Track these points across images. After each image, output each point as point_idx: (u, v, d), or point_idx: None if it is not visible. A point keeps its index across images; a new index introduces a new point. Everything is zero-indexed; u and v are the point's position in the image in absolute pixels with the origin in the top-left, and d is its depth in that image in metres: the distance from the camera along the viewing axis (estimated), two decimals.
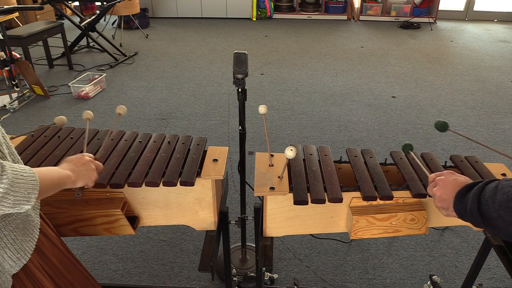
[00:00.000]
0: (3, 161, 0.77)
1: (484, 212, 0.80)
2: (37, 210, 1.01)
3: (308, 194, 1.21)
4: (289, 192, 1.21)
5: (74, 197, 1.19)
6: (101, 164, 1.12)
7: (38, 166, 1.26)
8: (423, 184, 1.24)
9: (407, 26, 6.55)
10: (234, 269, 1.88)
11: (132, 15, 5.97)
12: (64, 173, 0.97)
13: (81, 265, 1.18)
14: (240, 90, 1.43)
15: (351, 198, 1.24)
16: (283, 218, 1.29)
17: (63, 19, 6.29)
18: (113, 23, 6.44)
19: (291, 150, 1.12)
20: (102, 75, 4.13)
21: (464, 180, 0.94)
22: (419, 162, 1.22)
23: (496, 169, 1.36)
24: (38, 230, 1.00)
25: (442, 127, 1.22)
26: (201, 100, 3.88)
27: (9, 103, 3.64)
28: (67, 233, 1.25)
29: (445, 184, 0.95)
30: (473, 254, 2.12)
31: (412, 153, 1.27)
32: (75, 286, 1.12)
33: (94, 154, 1.18)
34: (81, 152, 1.15)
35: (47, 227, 1.07)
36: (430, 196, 1.17)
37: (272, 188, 1.21)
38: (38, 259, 0.98)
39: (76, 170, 1.01)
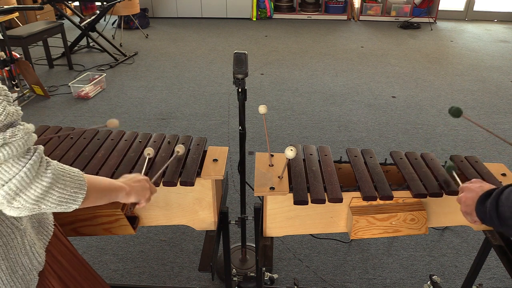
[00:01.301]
0: (50, 159, 0.79)
1: (501, 213, 0.82)
2: None
3: (308, 194, 1.21)
4: (289, 192, 1.21)
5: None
6: (155, 188, 1.13)
7: None
8: (423, 184, 1.24)
9: (407, 26, 6.55)
10: (234, 269, 1.88)
11: (132, 15, 5.97)
12: (117, 184, 0.98)
13: (90, 267, 1.17)
14: (240, 90, 1.43)
15: (351, 198, 1.24)
16: (283, 218, 1.29)
17: (63, 19, 6.28)
18: (113, 23, 6.44)
19: (291, 150, 1.12)
20: (102, 75, 4.13)
21: (489, 187, 0.96)
22: (458, 180, 1.20)
23: (496, 169, 1.36)
24: (53, 228, 1.01)
25: (456, 112, 1.22)
26: (201, 100, 3.88)
27: None
28: (67, 233, 1.25)
29: (470, 190, 0.99)
30: (473, 254, 2.12)
31: (454, 174, 1.22)
32: (84, 286, 1.11)
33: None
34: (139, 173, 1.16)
35: (55, 227, 1.07)
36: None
37: (272, 188, 1.21)
38: (46, 259, 0.99)
39: (131, 185, 1.02)
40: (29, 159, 0.73)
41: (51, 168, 0.77)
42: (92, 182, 0.87)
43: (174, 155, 1.26)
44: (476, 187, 0.99)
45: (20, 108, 0.76)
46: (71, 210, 0.84)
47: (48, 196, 0.76)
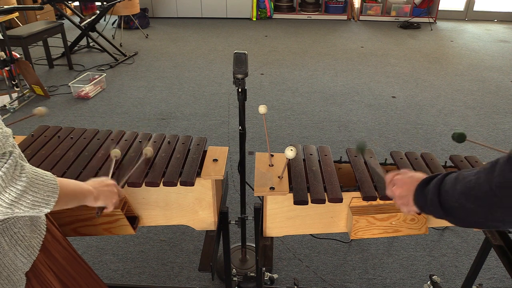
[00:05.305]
0: (24, 162, 0.79)
1: (444, 202, 0.81)
2: None
3: (308, 194, 1.21)
4: (289, 192, 1.21)
5: (94, 216, 1.19)
6: (123, 192, 1.13)
7: (38, 166, 1.27)
8: None
9: (407, 26, 6.55)
10: (234, 269, 1.88)
11: (132, 15, 5.97)
12: (86, 187, 0.99)
13: (86, 264, 1.18)
14: (240, 90, 1.43)
15: (351, 198, 1.24)
16: (283, 218, 1.29)
17: (63, 19, 6.28)
18: (113, 23, 6.43)
19: (291, 150, 1.12)
20: (102, 75, 4.13)
21: (421, 175, 0.95)
22: (373, 164, 1.24)
23: None
24: (45, 226, 1.01)
25: (459, 137, 1.23)
26: (201, 100, 3.88)
27: (9, 103, 3.64)
28: (68, 233, 1.26)
29: (403, 182, 0.97)
30: (473, 254, 2.12)
31: (363, 156, 1.26)
32: (81, 284, 1.12)
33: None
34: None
35: (52, 225, 1.08)
36: (389, 198, 1.14)
37: (272, 188, 1.21)
38: (44, 257, 0.99)
39: (99, 189, 1.03)
40: (4, 164, 0.73)
41: (26, 172, 0.77)
42: (63, 184, 0.87)
43: (141, 158, 1.26)
44: (408, 177, 0.97)
45: None
46: (43, 213, 0.84)
47: (22, 200, 0.77)
